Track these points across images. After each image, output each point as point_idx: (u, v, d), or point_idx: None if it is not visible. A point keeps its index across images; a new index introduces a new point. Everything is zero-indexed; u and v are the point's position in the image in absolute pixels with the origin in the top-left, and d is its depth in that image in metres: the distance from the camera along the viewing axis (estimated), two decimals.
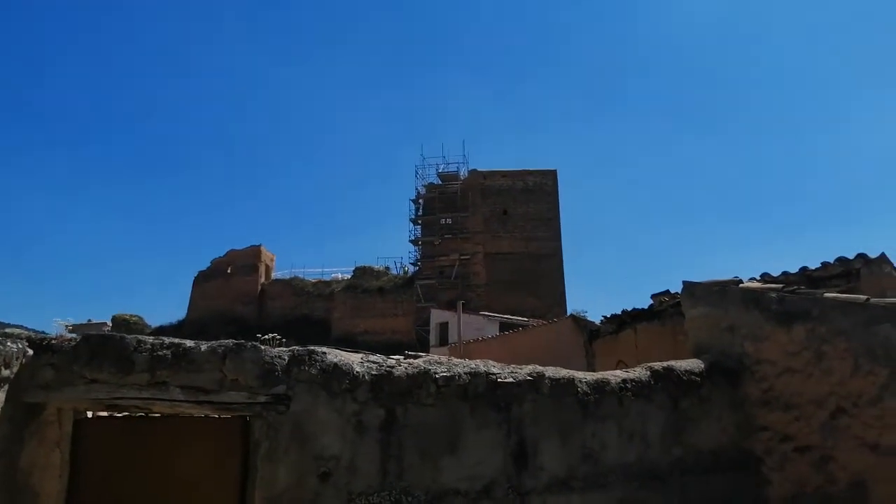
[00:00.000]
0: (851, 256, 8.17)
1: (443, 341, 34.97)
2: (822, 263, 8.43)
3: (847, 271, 8.09)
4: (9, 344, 3.36)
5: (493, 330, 29.01)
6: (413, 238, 53.58)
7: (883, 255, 8.12)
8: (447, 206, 51.91)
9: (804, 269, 8.50)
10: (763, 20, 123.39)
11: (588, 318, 15.88)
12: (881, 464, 4.91)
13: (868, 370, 5.07)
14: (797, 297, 5.56)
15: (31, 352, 3.50)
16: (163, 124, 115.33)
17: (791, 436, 5.25)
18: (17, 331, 3.60)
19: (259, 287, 57.95)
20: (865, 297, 5.44)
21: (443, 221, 52.00)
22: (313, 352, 3.95)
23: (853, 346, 5.16)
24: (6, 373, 3.33)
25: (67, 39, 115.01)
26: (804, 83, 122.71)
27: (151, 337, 3.71)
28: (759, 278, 7.89)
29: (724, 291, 5.87)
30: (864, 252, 8.13)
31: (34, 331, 4.19)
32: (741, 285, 6.02)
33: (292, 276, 59.79)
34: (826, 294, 5.62)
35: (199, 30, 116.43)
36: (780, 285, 6.06)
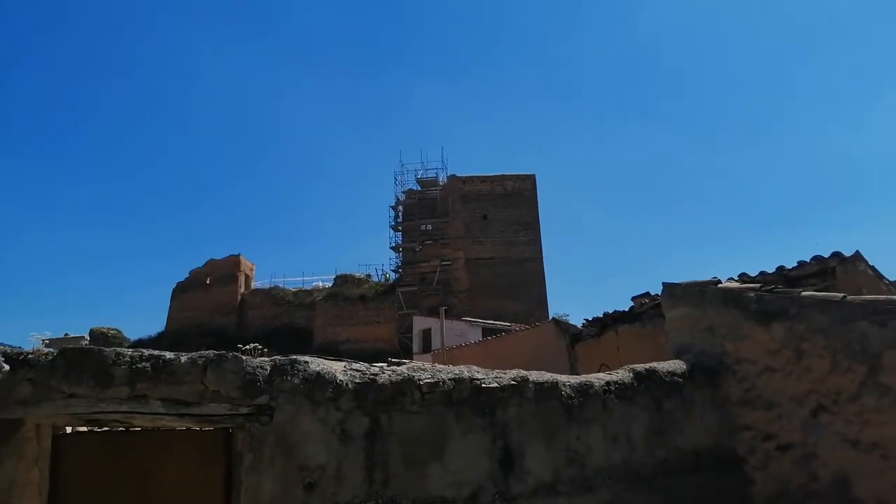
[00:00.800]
0: (827, 255, 8.30)
1: (426, 348, 34.94)
2: (798, 262, 8.56)
3: (823, 270, 8.21)
4: None
5: (475, 335, 29.05)
6: (394, 245, 53.57)
7: (857, 254, 8.25)
8: (427, 212, 52.00)
9: (781, 268, 8.62)
10: (746, 18, 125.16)
11: (570, 322, 15.92)
12: (862, 460, 4.97)
13: (846, 367, 5.14)
14: (775, 296, 5.63)
15: (6, 367, 3.42)
16: (140, 132, 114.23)
17: (773, 434, 5.30)
18: None
19: (239, 297, 57.52)
20: (842, 294, 5.52)
21: (423, 227, 52.08)
22: (296, 361, 3.91)
23: (831, 343, 5.23)
24: None
25: (30, 39, 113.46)
26: (780, 83, 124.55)
27: (130, 349, 3.65)
28: (737, 278, 7.98)
29: (703, 292, 5.92)
30: (840, 251, 8.26)
31: (10, 346, 4.09)
32: (720, 285, 6.08)
33: (272, 285, 59.47)
34: (803, 292, 5.68)
35: (180, 34, 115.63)
36: (758, 285, 6.13)
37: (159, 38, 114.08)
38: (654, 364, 5.33)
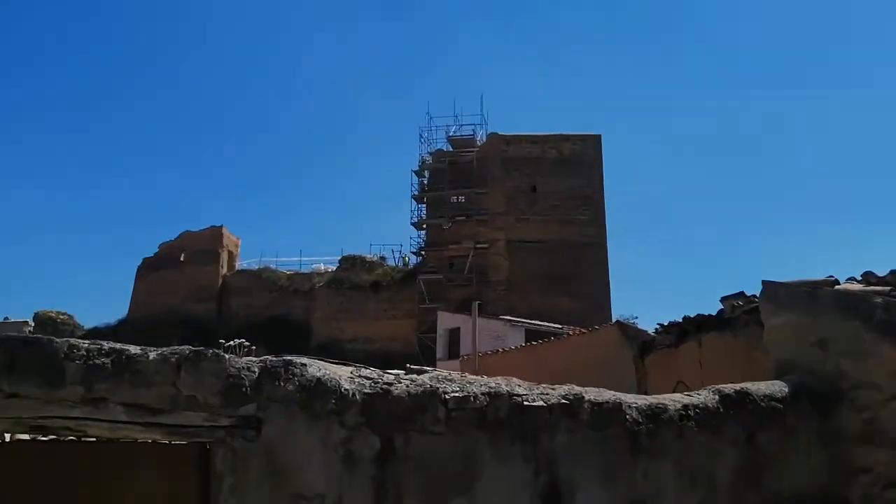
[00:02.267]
0: None
1: (453, 352, 35.14)
2: None
3: None
4: None
5: (516, 339, 29.09)
6: (416, 220, 53.71)
7: None
8: (460, 179, 51.87)
9: None
10: None
11: (639, 327, 15.90)
12: None
13: None
14: None
15: None
16: (102, 76, 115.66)
17: None
18: None
19: (220, 279, 58.38)
20: None
21: (454, 199, 52.10)
22: (291, 363, 3.96)
23: None
24: None
25: None
26: None
27: (87, 341, 3.72)
28: (859, 278, 7.86)
29: (815, 295, 5.84)
30: None
31: None
32: (837, 287, 5.99)
33: (262, 266, 60.24)
34: None
35: None
36: (888, 288, 6.02)
37: None
38: (748, 385, 5.29)
